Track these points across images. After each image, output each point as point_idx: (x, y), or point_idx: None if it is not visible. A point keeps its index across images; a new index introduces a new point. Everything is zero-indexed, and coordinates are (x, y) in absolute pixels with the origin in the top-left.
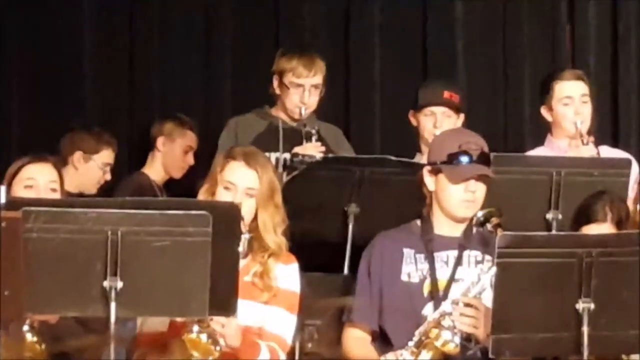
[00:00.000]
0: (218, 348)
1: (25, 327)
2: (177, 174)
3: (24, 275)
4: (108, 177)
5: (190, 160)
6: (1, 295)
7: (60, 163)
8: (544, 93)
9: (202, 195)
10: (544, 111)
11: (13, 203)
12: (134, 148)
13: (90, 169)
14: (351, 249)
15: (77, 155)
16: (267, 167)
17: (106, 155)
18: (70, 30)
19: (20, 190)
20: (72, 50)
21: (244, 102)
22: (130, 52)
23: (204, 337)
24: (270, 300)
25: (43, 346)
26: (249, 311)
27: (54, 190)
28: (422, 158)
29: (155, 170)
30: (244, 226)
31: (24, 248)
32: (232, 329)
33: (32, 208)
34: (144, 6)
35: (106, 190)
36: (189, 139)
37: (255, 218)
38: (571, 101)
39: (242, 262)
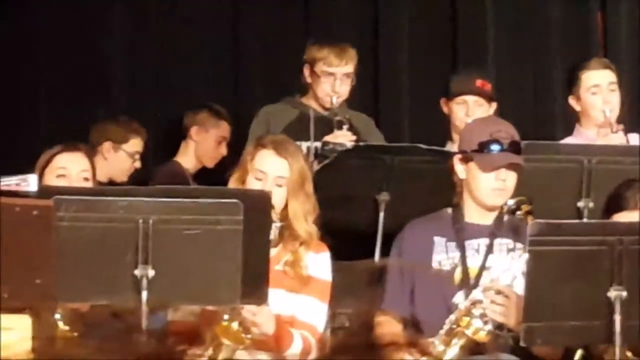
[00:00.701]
0: (249, 336)
1: (57, 316)
2: (210, 163)
3: (55, 263)
4: (138, 165)
5: (223, 150)
6: (33, 283)
7: (92, 152)
8: (571, 83)
9: (232, 184)
10: (572, 101)
11: (45, 191)
12: (163, 138)
13: (120, 158)
14: (382, 237)
15: (107, 145)
16: (297, 156)
17: (135, 144)
18: (98, 20)
19: (52, 180)
20: (101, 40)
21: (274, 92)
22: (159, 41)
23: (234, 325)
24: (302, 289)
25: (75, 334)
26: (280, 300)
27: (86, 179)
28: (453, 146)
29: (188, 159)
30: (275, 215)
31: (55, 237)
32: (265, 317)
33: (64, 197)
34: None
35: (139, 180)
36: (223, 129)
37: (286, 207)
38: (599, 90)
39: (273, 251)
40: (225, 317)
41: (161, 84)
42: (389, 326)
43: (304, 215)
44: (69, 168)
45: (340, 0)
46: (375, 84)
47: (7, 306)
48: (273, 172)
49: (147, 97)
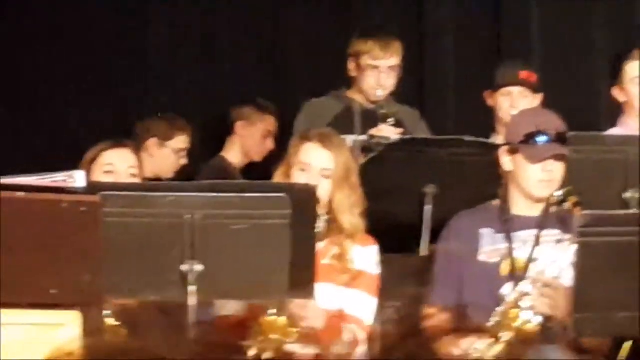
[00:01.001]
0: (297, 330)
1: (105, 312)
2: (257, 158)
3: (103, 260)
4: (184, 162)
5: (270, 144)
6: (82, 280)
7: (138, 149)
8: (615, 74)
9: (277, 178)
10: (616, 92)
11: (92, 187)
12: (209, 134)
13: (165, 155)
14: (428, 230)
15: (152, 142)
16: (342, 148)
17: (181, 141)
18: (140, 16)
19: (99, 176)
20: (144, 35)
21: (319, 85)
22: (202, 36)
23: (282, 319)
24: (349, 282)
25: (123, 330)
26: (328, 294)
27: (133, 175)
28: (497, 139)
29: (234, 154)
30: (320, 208)
31: (103, 233)
32: (313, 311)
33: (111, 192)
34: None
35: (185, 176)
36: (269, 123)
37: (331, 200)
38: None
39: (320, 245)
40: (272, 311)
41: (206, 79)
42: (437, 319)
43: (349, 208)
44: (116, 164)
45: None
46: (421, 77)
47: (56, 302)
48: (318, 164)
49: (192, 92)
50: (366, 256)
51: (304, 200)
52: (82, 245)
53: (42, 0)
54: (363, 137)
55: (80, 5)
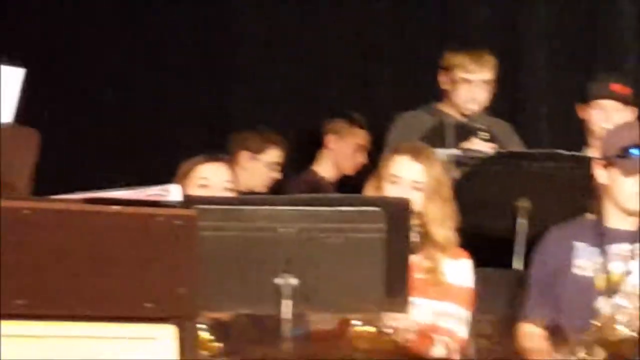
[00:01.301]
0: (386, 338)
1: (200, 325)
2: (349, 171)
3: (198, 273)
4: (276, 175)
5: (362, 158)
6: (177, 293)
7: (232, 163)
8: None
9: (367, 191)
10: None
11: (187, 201)
12: (299, 146)
13: (257, 168)
14: (522, 244)
15: (244, 155)
16: (433, 161)
17: (273, 155)
18: (231, 29)
19: (194, 189)
20: (236, 49)
21: (410, 99)
22: (294, 49)
23: (370, 328)
24: (442, 296)
25: (218, 344)
26: (420, 308)
27: (227, 189)
28: (590, 152)
29: (326, 167)
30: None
31: (197, 246)
32: (405, 323)
33: (206, 206)
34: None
35: (276, 189)
36: (360, 137)
37: (423, 213)
38: None
39: (413, 258)
40: (357, 322)
41: (299, 92)
42: (531, 334)
43: (441, 221)
44: (211, 178)
45: (477, 6)
46: (514, 90)
47: (151, 316)
48: (409, 176)
49: (283, 105)
50: (459, 269)
51: (398, 213)
52: (177, 259)
53: (131, 16)
54: (456, 151)
55: (169, 18)
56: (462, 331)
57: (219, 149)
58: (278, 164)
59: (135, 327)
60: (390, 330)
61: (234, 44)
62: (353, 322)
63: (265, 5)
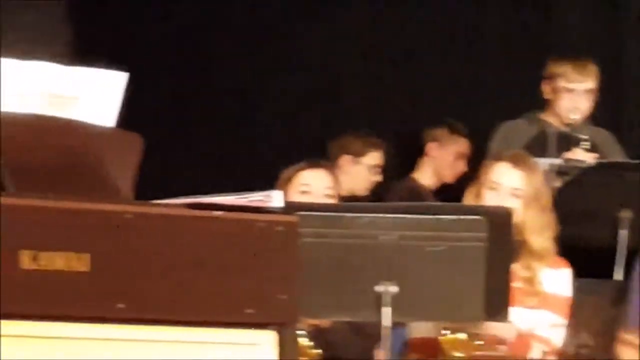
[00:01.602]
0: (480, 343)
1: (300, 332)
2: (450, 179)
3: (298, 280)
4: (378, 178)
5: (462, 166)
6: (278, 299)
7: (333, 169)
8: None
9: (467, 198)
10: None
11: (289, 207)
12: (400, 153)
13: (359, 171)
14: (623, 254)
15: (346, 159)
16: (534, 169)
17: (374, 157)
18: (328, 32)
19: (295, 196)
20: (335, 51)
21: (512, 107)
22: (397, 55)
23: (461, 335)
24: (539, 304)
25: (317, 351)
26: (518, 316)
27: (329, 196)
28: None
29: (426, 175)
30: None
31: (298, 252)
32: (503, 330)
33: (307, 212)
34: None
35: (377, 194)
36: (461, 145)
37: (521, 220)
38: None
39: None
40: (445, 331)
41: (400, 99)
42: (632, 344)
43: (539, 229)
44: (312, 185)
45: (581, 13)
46: (616, 99)
47: (252, 322)
48: (508, 183)
49: (385, 112)
50: (557, 279)
51: (500, 222)
52: (278, 265)
53: (232, 18)
54: (558, 161)
55: (265, 21)
56: (558, 339)
57: (321, 154)
58: (379, 166)
59: (236, 332)
60: (481, 342)
61: (334, 50)
62: (443, 330)
63: (364, 11)
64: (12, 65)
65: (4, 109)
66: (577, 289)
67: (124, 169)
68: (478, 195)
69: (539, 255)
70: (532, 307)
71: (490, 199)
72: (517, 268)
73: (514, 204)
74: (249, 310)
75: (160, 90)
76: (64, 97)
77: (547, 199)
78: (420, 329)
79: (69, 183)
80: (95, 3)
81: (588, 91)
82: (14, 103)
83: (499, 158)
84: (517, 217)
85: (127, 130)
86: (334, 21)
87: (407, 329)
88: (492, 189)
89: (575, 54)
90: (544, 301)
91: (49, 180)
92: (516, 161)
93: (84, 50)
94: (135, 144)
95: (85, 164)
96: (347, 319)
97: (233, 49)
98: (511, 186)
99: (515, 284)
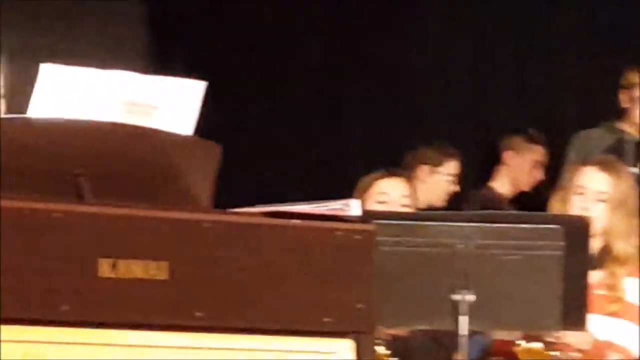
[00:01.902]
0: (554, 353)
1: (378, 341)
2: (526, 187)
3: (376, 288)
4: (455, 188)
5: (539, 174)
6: (355, 308)
7: (411, 178)
8: None
9: (553, 203)
10: None
11: (366, 216)
12: (477, 162)
13: (437, 181)
14: None
15: (423, 169)
16: (622, 173)
17: (451, 167)
18: (412, 39)
19: (372, 205)
20: (414, 61)
21: (588, 116)
22: (472, 64)
23: (536, 344)
24: (619, 313)
25: (393, 359)
26: (596, 324)
27: (406, 205)
28: None
29: (503, 184)
30: (594, 233)
31: (375, 261)
32: (580, 338)
33: (384, 221)
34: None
35: (454, 204)
36: (538, 153)
37: (605, 225)
38: None
39: (591, 274)
40: (520, 341)
41: (475, 107)
42: None
43: (624, 234)
44: (390, 193)
45: None
46: None
47: (330, 330)
48: (594, 186)
49: (461, 121)
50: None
51: (578, 231)
52: (355, 274)
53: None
54: (635, 170)
55: (349, 32)
56: (637, 350)
57: (398, 165)
58: (456, 175)
59: (314, 341)
60: (557, 352)
61: (414, 61)
62: (517, 340)
63: (436, 23)
64: (92, 74)
65: (84, 117)
66: None
67: (202, 177)
68: (564, 200)
69: (622, 261)
70: (611, 315)
71: (576, 204)
72: (599, 274)
73: (599, 208)
74: (327, 319)
75: (237, 98)
76: (143, 106)
77: (634, 204)
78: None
79: (148, 191)
80: (174, 10)
81: None
82: (94, 111)
83: (585, 162)
84: (603, 222)
85: (207, 138)
86: (413, 30)
87: (484, 337)
88: (578, 193)
89: None
90: (624, 310)
91: (128, 188)
92: (603, 165)
93: (164, 58)
94: (213, 152)
95: (164, 172)
96: (424, 327)
97: (311, 57)
98: (597, 190)
99: (597, 291)
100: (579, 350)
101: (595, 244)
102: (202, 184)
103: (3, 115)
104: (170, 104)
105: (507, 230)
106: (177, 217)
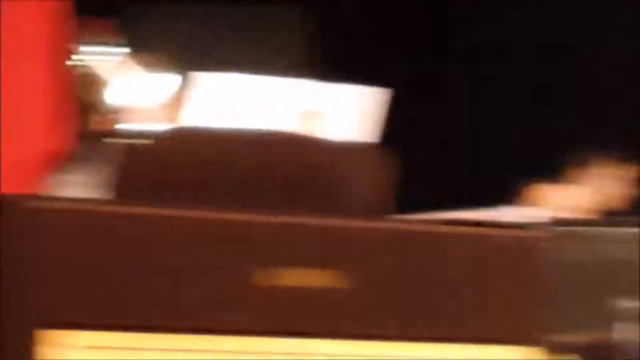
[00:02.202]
0: None
1: (542, 349)
2: None
3: (542, 298)
4: (632, 190)
5: None
6: (526, 316)
7: (576, 185)
8: None
9: None
10: None
11: (531, 223)
12: None
13: (608, 187)
14: None
15: (594, 174)
16: None
17: (626, 170)
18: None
19: (544, 211)
20: (574, 73)
21: None
22: None
23: None
24: None
25: None
26: None
27: (580, 211)
28: None
29: None
30: None
31: (545, 269)
32: None
33: (553, 227)
34: None
35: (631, 208)
36: None
37: None
38: None
39: None
40: None
41: None
42: None
43: None
44: (556, 201)
45: None
46: None
47: (501, 339)
48: None
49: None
50: None
51: None
52: (520, 282)
53: (490, 29)
54: None
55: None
56: None
57: (561, 171)
58: (630, 180)
59: (499, 350)
60: None
61: (575, 67)
62: None
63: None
64: (265, 82)
65: (256, 126)
66: None
67: (377, 185)
68: None
69: None
70: None
71: None
72: None
73: None
74: (492, 328)
75: (419, 106)
76: (317, 114)
77: None
78: None
79: (309, 199)
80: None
81: None
82: (269, 119)
83: None
84: None
85: (386, 146)
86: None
87: None
88: None
89: None
90: None
91: (291, 196)
92: None
93: (338, 65)
94: (384, 160)
95: (328, 180)
96: (590, 336)
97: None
98: None
99: None
100: None
101: None
102: (371, 192)
103: (178, 125)
104: (348, 111)
105: None
106: (342, 225)
